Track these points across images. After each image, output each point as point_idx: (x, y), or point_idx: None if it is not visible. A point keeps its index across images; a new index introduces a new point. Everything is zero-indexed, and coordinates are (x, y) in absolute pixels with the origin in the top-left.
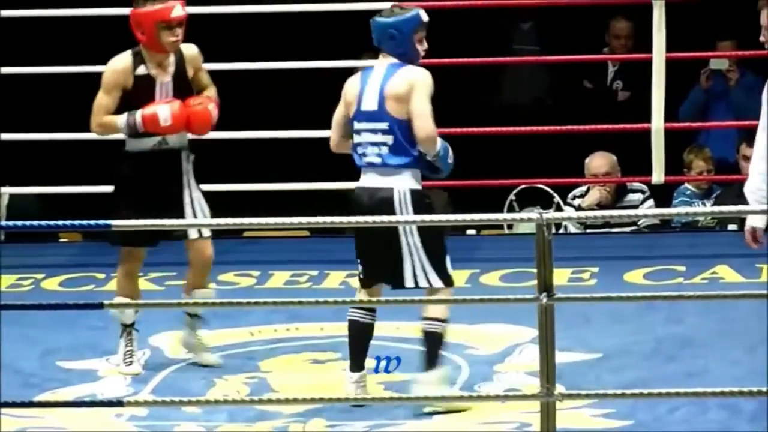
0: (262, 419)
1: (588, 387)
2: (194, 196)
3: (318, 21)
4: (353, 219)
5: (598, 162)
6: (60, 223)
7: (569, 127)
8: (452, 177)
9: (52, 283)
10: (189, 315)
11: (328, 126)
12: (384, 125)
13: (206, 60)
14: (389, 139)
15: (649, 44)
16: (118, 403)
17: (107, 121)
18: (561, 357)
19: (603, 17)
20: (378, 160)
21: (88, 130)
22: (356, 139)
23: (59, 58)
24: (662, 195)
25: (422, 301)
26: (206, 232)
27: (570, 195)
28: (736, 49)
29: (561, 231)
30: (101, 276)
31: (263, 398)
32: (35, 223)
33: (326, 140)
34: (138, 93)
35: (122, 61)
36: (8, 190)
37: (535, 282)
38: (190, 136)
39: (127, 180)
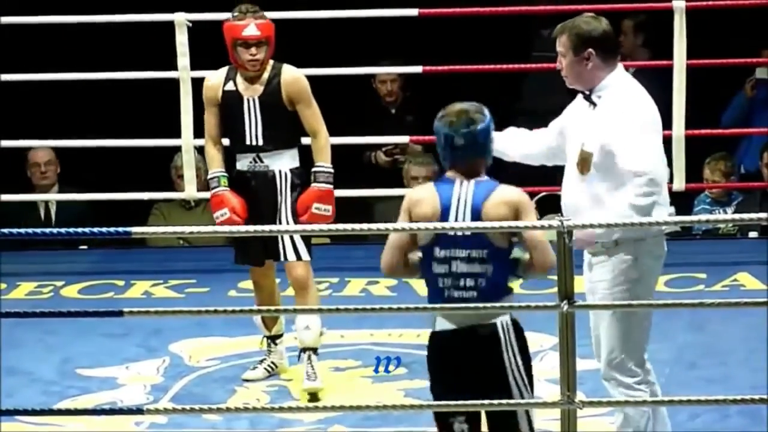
0: (282, 426)
1: (608, 394)
2: (289, 217)
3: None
4: (374, 226)
5: None
6: (80, 230)
7: None
8: None
9: (71, 291)
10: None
11: (349, 132)
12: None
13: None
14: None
15: (670, 50)
16: (138, 410)
17: (207, 157)
18: (582, 364)
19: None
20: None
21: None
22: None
23: (60, 64)
24: (683, 202)
25: None
26: (304, 256)
27: None
28: None
29: None
30: (121, 283)
31: (284, 406)
32: (55, 230)
33: (348, 147)
34: (226, 109)
35: (215, 76)
36: (55, 196)
37: (555, 289)
38: (292, 161)
39: None
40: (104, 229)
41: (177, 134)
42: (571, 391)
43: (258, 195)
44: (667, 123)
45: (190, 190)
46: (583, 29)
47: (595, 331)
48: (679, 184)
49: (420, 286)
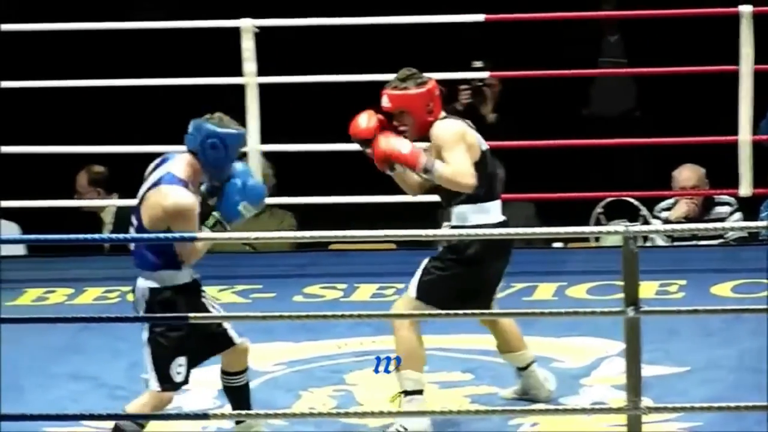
0: (346, 431)
1: (675, 400)
2: None
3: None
4: (440, 232)
5: (686, 174)
6: (144, 236)
7: (657, 139)
8: (539, 189)
9: None
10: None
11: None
12: None
13: (274, 72)
14: None
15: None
16: (204, 415)
17: None
18: (647, 370)
19: (688, 29)
20: None
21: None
22: None
23: (61, 71)
24: (750, 208)
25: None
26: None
27: (657, 207)
28: None
29: (648, 244)
30: None
31: (349, 411)
32: (121, 236)
33: None
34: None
35: None
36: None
37: (621, 295)
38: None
39: None
40: (169, 235)
41: None
42: (637, 397)
43: None
44: (733, 128)
45: None
46: None
47: None
48: (746, 190)
49: None
